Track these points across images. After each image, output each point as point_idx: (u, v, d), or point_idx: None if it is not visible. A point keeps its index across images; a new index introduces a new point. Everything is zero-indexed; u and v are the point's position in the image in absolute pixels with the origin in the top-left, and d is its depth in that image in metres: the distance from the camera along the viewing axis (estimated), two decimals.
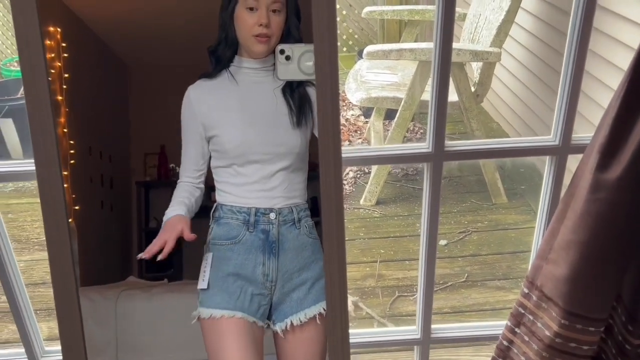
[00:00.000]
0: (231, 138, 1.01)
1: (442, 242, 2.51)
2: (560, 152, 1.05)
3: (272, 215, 1.03)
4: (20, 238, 2.65)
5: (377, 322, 2.08)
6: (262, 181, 1.03)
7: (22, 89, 3.17)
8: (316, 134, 1.02)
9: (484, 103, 2.82)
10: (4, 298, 2.32)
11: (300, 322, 1.06)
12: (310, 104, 1.02)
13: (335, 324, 1.01)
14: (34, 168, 0.92)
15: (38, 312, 2.22)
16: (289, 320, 1.06)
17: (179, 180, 1.05)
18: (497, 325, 1.29)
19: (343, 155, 0.94)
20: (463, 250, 2.48)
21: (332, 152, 0.92)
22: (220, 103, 1.02)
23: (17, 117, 3.11)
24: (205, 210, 1.06)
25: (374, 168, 2.77)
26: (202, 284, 1.05)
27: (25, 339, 1.35)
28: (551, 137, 1.05)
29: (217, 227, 1.05)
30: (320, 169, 0.94)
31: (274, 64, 1.00)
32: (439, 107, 0.97)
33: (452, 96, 2.71)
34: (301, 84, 1.02)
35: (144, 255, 1.00)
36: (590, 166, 0.94)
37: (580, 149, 1.06)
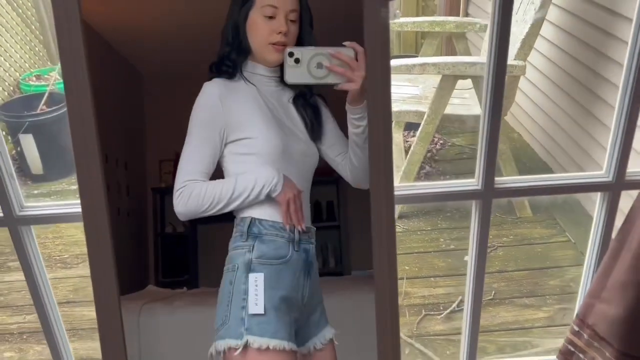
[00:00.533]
0: (271, 137, 0.94)
1: (467, 258, 2.48)
2: (614, 188, 1.02)
3: (311, 233, 0.98)
4: (42, 256, 2.64)
5: (406, 343, 2.05)
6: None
7: (41, 104, 3.13)
8: (321, 148, 0.98)
9: None
10: (28, 318, 2.32)
11: (322, 345, 1.02)
12: (321, 117, 0.98)
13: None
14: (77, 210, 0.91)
15: None
16: (311, 345, 1.02)
17: (183, 183, 0.95)
18: None
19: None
20: (489, 266, 2.44)
21: (383, 184, 0.90)
22: (248, 103, 0.95)
23: (37, 132, 3.10)
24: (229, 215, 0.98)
25: (396, 180, 2.75)
26: (255, 308, 0.94)
27: None
28: (604, 173, 1.01)
29: (261, 244, 0.96)
30: (371, 197, 0.95)
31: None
32: (489, 144, 0.94)
33: (475, 109, 2.68)
34: (312, 96, 0.98)
35: (300, 225, 0.95)
36: None
37: (635, 184, 1.02)
